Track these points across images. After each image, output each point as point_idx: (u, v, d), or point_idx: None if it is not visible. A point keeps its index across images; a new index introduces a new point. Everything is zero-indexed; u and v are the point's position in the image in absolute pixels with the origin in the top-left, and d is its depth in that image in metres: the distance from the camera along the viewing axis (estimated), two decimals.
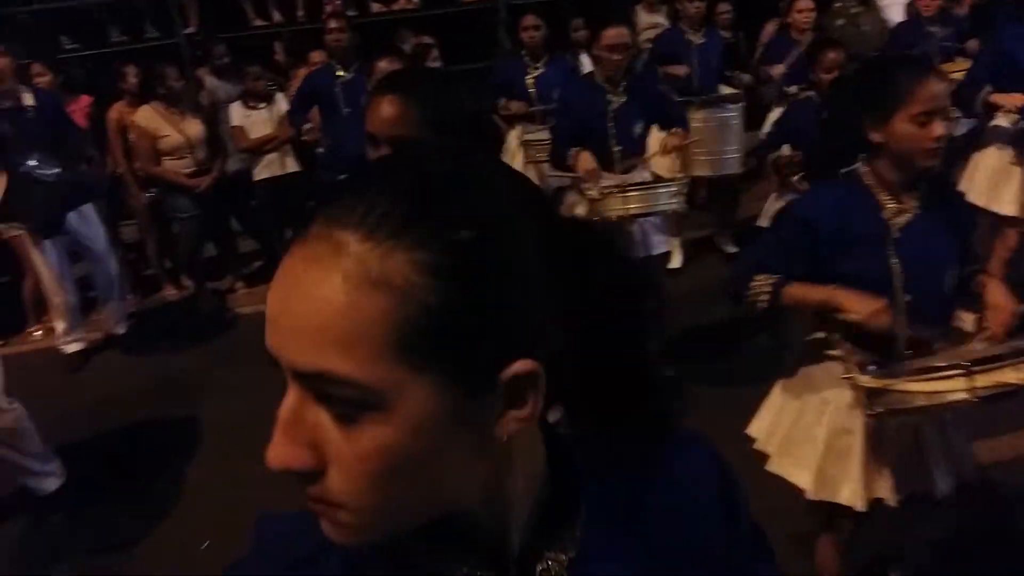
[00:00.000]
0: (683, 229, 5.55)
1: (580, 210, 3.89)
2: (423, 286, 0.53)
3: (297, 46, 6.87)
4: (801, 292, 2.14)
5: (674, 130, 4.01)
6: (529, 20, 5.34)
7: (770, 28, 6.45)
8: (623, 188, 3.63)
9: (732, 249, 5.63)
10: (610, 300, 0.65)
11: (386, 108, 1.76)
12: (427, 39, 6.13)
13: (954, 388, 1.89)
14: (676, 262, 5.50)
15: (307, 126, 5.33)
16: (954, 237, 2.16)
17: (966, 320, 2.22)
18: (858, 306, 2.01)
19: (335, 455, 0.56)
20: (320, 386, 0.55)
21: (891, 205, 2.12)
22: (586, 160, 3.77)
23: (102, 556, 3.30)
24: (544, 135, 4.90)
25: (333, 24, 5.21)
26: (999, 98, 4.12)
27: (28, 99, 4.71)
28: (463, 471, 0.60)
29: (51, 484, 3.58)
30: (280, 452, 0.56)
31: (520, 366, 0.58)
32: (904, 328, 2.11)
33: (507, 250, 0.57)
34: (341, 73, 5.15)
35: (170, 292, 6.18)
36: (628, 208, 3.60)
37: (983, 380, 1.87)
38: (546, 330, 0.60)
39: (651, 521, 0.72)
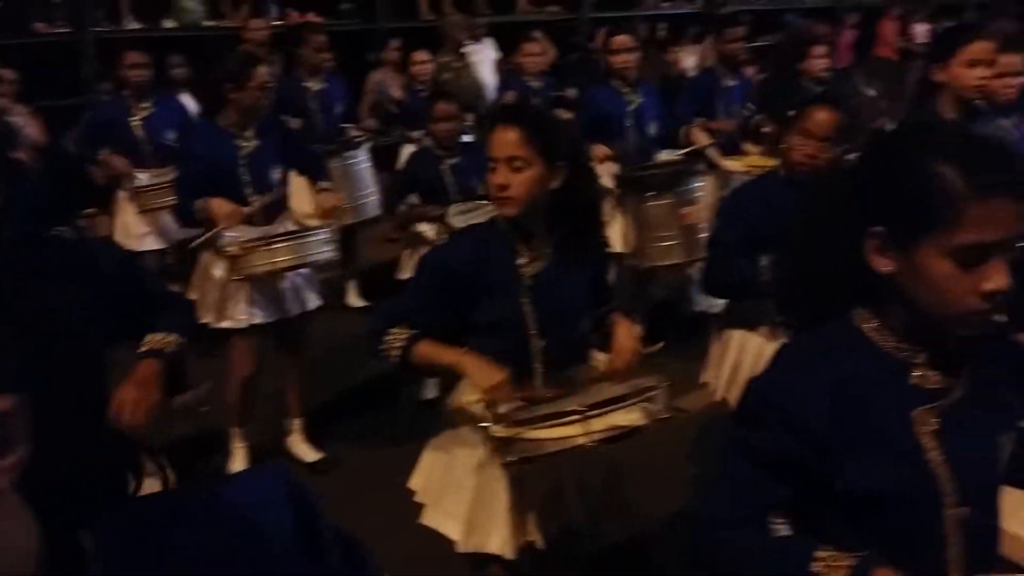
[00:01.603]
0: None
1: (219, 270, 3.48)
2: None
3: None
4: (431, 351, 2.11)
5: (325, 186, 3.91)
6: (132, 57, 4.82)
7: (376, 76, 6.69)
8: (268, 240, 3.30)
9: (359, 303, 5.48)
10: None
11: None
12: (6, 72, 5.32)
13: (574, 433, 1.91)
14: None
15: None
16: (587, 281, 2.25)
17: (600, 360, 2.31)
18: (480, 376, 2.03)
19: None
20: None
21: (525, 253, 2.17)
22: (221, 205, 3.38)
23: None
24: (158, 179, 4.48)
25: None
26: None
27: None
28: None
29: None
30: None
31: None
32: (539, 374, 2.16)
33: None
34: None
35: None
36: (276, 262, 3.26)
37: (597, 424, 1.91)
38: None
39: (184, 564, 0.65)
